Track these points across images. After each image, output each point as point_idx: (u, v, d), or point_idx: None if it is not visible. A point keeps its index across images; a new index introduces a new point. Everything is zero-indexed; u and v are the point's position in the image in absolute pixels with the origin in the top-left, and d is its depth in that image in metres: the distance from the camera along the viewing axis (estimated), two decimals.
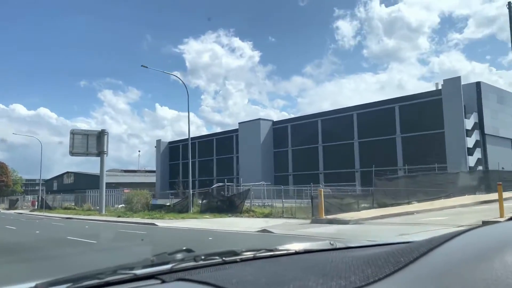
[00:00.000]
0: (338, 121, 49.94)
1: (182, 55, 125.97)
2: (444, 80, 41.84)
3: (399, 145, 44.85)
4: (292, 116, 70.74)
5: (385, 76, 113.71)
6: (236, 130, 61.36)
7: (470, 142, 39.93)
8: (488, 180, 24.70)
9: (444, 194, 19.94)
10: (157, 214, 24.17)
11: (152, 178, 75.12)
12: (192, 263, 1.27)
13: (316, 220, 14.39)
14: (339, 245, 1.51)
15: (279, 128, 57.46)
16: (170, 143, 75.43)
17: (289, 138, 55.88)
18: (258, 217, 19.40)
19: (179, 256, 1.32)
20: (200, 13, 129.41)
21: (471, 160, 39.72)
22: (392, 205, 17.31)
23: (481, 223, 11.23)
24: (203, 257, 1.31)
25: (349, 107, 50.57)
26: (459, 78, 40.82)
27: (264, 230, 12.59)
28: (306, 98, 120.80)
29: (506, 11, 16.76)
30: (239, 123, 61.33)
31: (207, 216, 21.09)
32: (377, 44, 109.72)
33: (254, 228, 13.40)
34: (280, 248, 1.45)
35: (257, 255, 1.38)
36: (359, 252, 1.26)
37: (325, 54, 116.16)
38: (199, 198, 26.65)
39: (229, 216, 20.40)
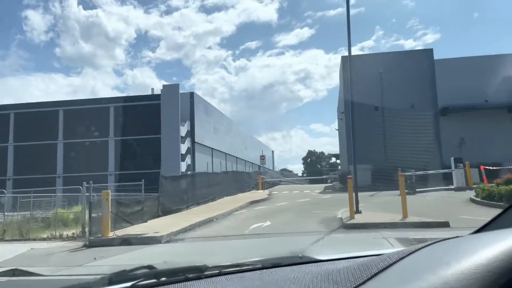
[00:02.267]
0: (38, 117, 41.05)
1: None
2: (163, 85, 42.03)
3: (112, 148, 41.43)
4: None
5: (79, 80, 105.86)
6: None
7: (183, 148, 41.31)
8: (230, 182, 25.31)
9: (211, 196, 18.39)
10: None
11: None
12: (153, 281, 1.20)
13: (98, 241, 9.04)
14: (307, 258, 1.45)
15: None
16: None
17: None
18: None
19: (139, 273, 1.25)
20: None
21: (183, 166, 41.08)
22: (175, 211, 14.10)
23: (343, 227, 9.78)
24: (165, 275, 1.24)
25: (54, 101, 42.64)
26: (177, 85, 41.73)
27: (16, 270, 6.63)
28: None
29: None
30: None
31: None
32: (72, 45, 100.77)
33: None
34: (247, 262, 1.40)
35: (223, 271, 1.32)
36: (325, 266, 1.23)
37: (10, 45, 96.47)
38: None
39: None
